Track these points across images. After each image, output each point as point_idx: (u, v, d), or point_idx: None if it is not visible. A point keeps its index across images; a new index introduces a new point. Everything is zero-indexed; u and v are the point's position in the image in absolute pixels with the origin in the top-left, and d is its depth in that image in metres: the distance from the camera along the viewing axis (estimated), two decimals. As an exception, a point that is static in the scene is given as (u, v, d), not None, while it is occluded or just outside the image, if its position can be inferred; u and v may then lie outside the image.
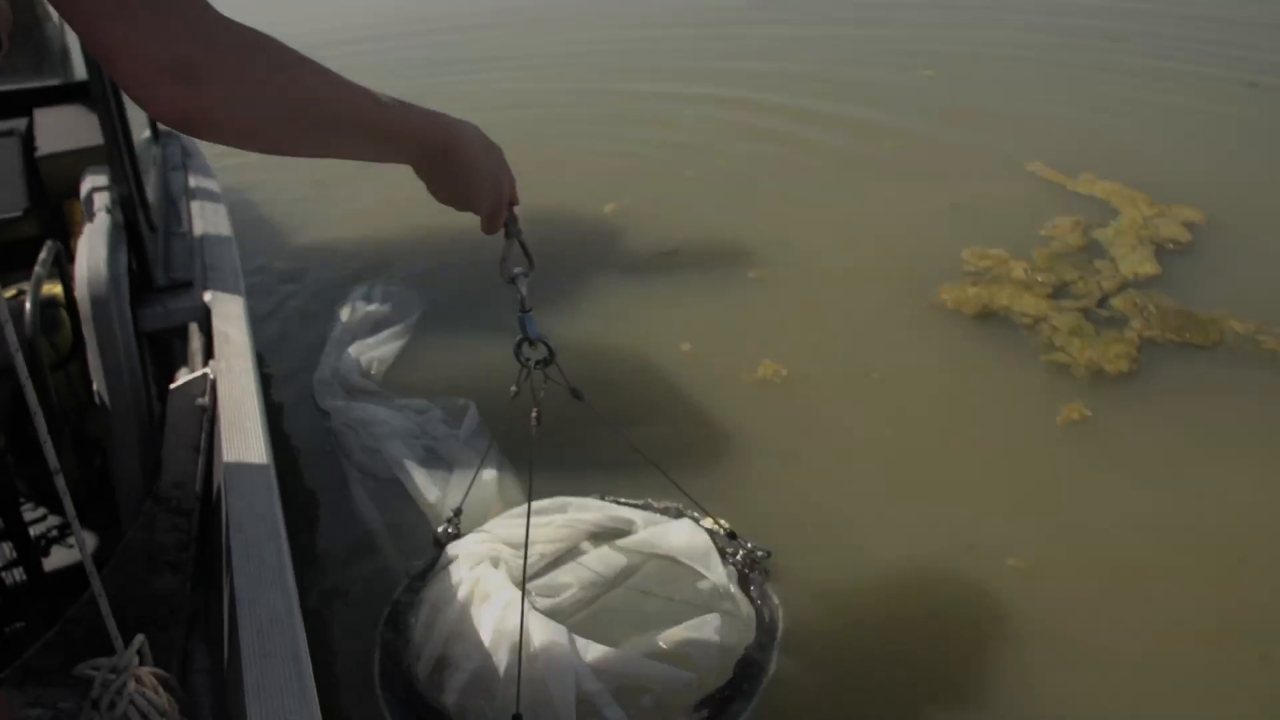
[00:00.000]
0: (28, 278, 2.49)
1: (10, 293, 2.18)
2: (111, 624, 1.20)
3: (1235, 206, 4.03)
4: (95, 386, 2.08)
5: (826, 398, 2.93)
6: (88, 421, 2.24)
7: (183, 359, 2.50)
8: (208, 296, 2.31)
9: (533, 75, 6.83)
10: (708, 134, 5.24)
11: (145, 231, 2.28)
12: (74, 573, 2.11)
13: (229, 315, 2.25)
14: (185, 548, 1.81)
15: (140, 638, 1.24)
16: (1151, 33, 6.80)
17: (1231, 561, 2.29)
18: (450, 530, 2.27)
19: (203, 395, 2.05)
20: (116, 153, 2.16)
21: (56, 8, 0.72)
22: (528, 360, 1.64)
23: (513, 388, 1.72)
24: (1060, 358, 3.04)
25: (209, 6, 0.77)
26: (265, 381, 2.88)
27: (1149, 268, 3.54)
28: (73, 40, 3.80)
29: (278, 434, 2.82)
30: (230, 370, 2.04)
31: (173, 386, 2.11)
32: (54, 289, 2.19)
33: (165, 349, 2.53)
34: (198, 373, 2.12)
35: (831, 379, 3.02)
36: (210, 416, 2.01)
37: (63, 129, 2.71)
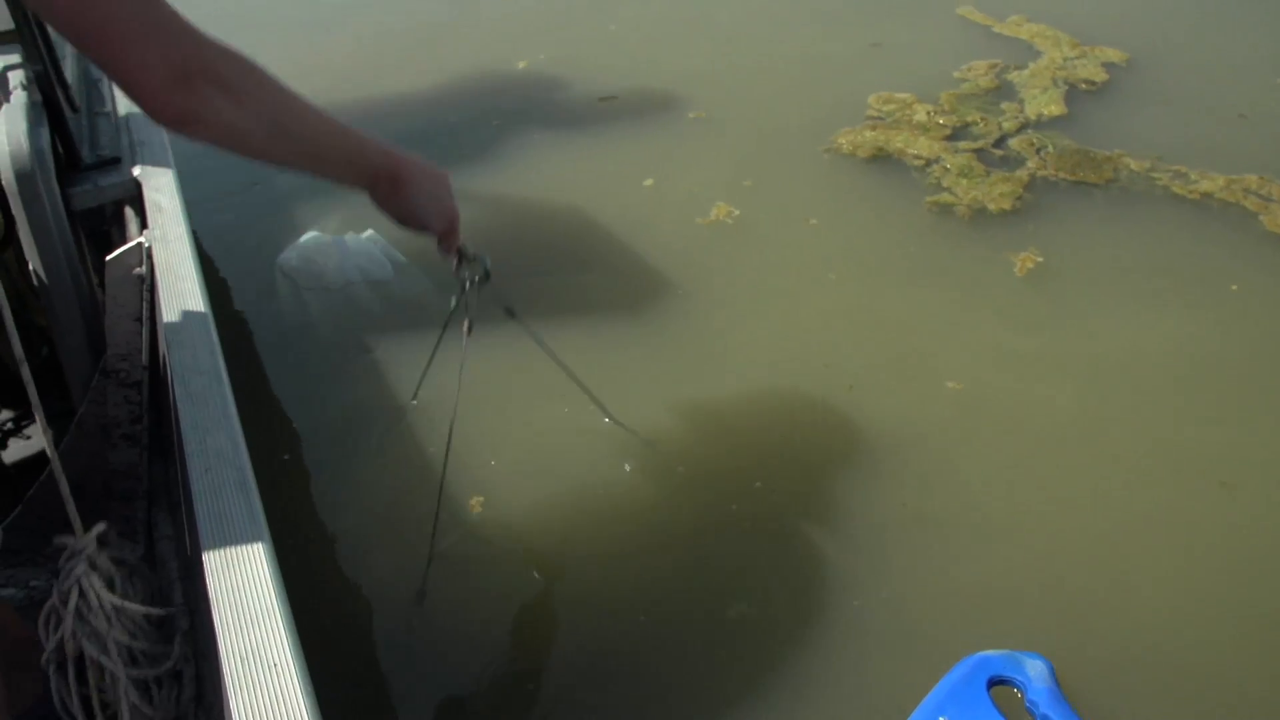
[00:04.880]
0: None
1: None
2: (71, 506, 1.26)
3: (1159, 49, 3.91)
4: (32, 267, 2.08)
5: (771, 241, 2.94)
6: (30, 310, 2.24)
7: (120, 241, 2.48)
8: (137, 171, 2.26)
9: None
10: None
11: (67, 111, 2.21)
12: (34, 462, 2.14)
13: (161, 186, 2.21)
14: (138, 419, 1.86)
15: (98, 529, 1.28)
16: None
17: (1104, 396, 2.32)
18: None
19: (139, 265, 2.04)
20: (28, 30, 2.08)
21: (67, 35, 0.91)
22: (467, 278, 1.72)
23: (452, 300, 1.80)
24: (945, 198, 3.01)
25: (202, 34, 0.95)
26: (200, 245, 2.86)
27: (1055, 109, 3.47)
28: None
29: (219, 293, 2.82)
30: (165, 238, 2.02)
31: (109, 258, 2.09)
32: None
33: (102, 236, 2.49)
34: (131, 243, 2.10)
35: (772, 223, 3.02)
36: (149, 286, 2.01)
37: None
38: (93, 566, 1.28)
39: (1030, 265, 2.72)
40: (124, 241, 2.49)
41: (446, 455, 1.98)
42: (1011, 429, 2.24)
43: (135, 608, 1.29)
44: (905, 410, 2.29)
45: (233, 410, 1.52)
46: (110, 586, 1.28)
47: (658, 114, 3.64)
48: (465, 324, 1.84)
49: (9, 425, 2.32)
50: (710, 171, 3.24)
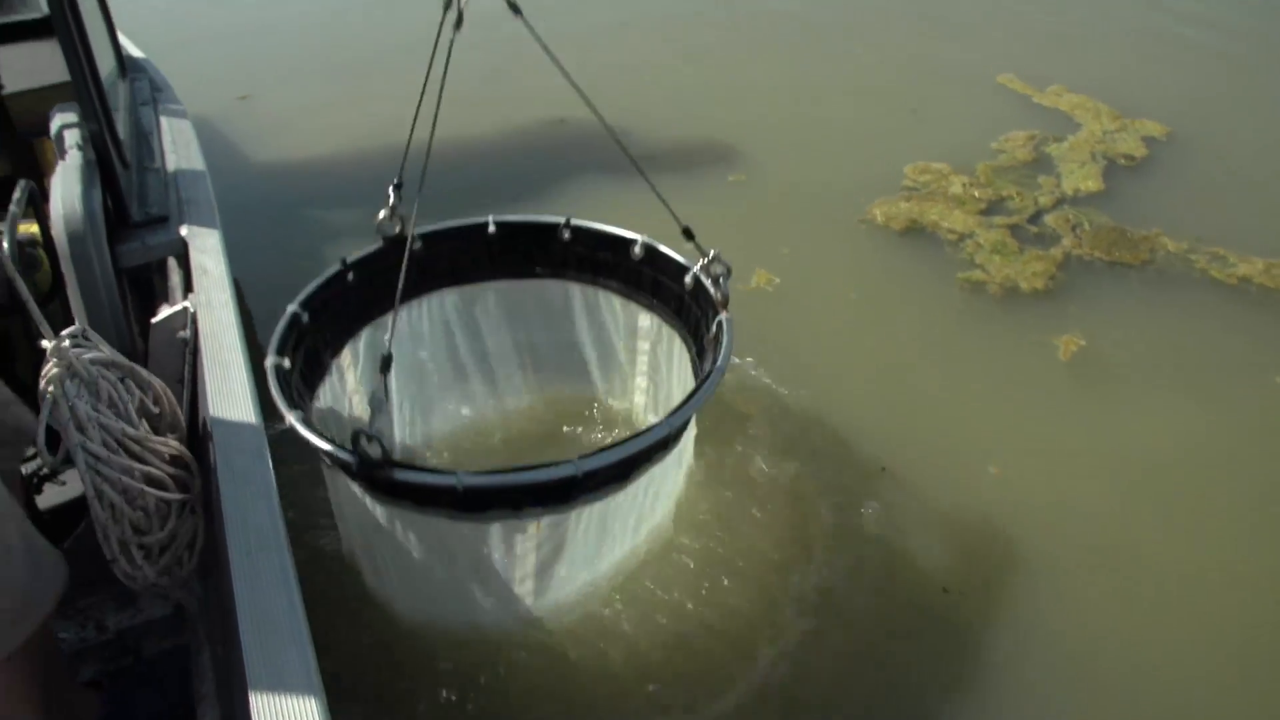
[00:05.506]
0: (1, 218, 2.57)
1: None
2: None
3: (1201, 122, 3.89)
4: (77, 323, 2.14)
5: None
6: None
7: (163, 295, 2.53)
8: (184, 230, 2.31)
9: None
10: (666, 39, 5.14)
11: (118, 168, 2.28)
12: (70, 509, 2.18)
13: (206, 248, 2.26)
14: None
15: None
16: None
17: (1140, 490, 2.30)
18: (391, 212, 2.00)
19: (183, 329, 2.09)
20: (84, 89, 2.14)
21: None
22: None
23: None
24: (977, 275, 3.00)
25: None
26: (244, 312, 2.90)
27: (1092, 184, 3.45)
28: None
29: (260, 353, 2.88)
30: (209, 304, 2.06)
31: (154, 321, 2.15)
32: (30, 228, 2.24)
33: (145, 286, 2.54)
34: (177, 307, 2.16)
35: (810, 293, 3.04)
36: (192, 349, 2.05)
37: (28, 66, 2.68)
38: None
39: (1074, 349, 2.70)
40: (166, 292, 2.55)
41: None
42: (1054, 524, 2.20)
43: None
44: (943, 493, 2.26)
45: (273, 489, 1.55)
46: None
47: (698, 174, 3.68)
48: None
49: (45, 470, 2.37)
50: (749, 236, 3.27)
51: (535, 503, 1.68)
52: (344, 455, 1.55)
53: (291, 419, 1.62)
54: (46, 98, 2.46)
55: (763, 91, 4.37)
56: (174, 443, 1.52)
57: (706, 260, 1.92)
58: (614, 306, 2.20)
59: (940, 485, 2.28)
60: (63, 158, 2.25)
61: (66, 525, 1.87)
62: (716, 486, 2.27)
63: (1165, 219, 3.25)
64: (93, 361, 1.40)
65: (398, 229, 2.01)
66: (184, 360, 2.08)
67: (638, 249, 2.06)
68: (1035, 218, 3.30)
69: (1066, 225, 3.23)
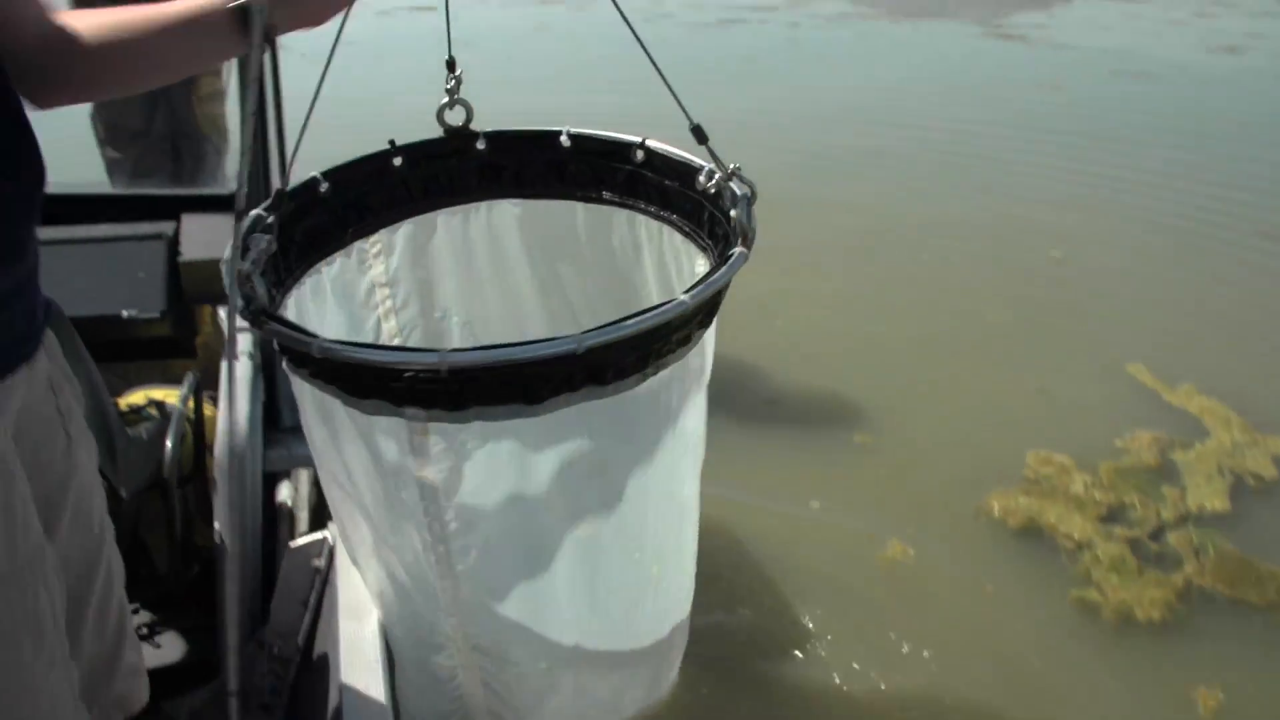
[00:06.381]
0: (153, 373, 2.80)
1: (137, 396, 2.48)
2: None
3: (1339, 446, 3.83)
4: (218, 526, 2.28)
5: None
6: (195, 531, 2.44)
7: (294, 496, 2.69)
8: None
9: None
10: (806, 293, 5.34)
11: (279, 371, 2.41)
12: (165, 673, 2.28)
13: None
14: (280, 693, 1.99)
15: None
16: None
17: None
18: (450, 98, 1.77)
19: (319, 557, 2.20)
20: None
21: None
22: None
23: None
24: (1091, 595, 2.99)
25: None
26: None
27: (1218, 503, 3.43)
28: (230, 156, 4.28)
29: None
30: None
31: (293, 545, 2.27)
32: (177, 398, 2.45)
33: (274, 478, 2.68)
34: (318, 535, 2.28)
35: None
36: (324, 579, 2.16)
37: (206, 237, 2.82)
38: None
39: (1213, 704, 2.63)
40: (297, 497, 2.71)
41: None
42: None
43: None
44: None
45: None
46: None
47: (824, 430, 3.80)
48: None
49: (143, 630, 2.40)
50: (873, 506, 3.37)
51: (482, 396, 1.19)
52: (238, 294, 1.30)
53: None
54: (218, 271, 2.71)
55: (892, 345, 4.51)
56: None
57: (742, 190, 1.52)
58: (675, 245, 1.82)
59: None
60: (234, 358, 2.47)
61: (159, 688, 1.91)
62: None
63: (1296, 557, 3.20)
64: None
65: (462, 120, 1.77)
66: (312, 586, 2.22)
67: (702, 178, 1.63)
68: (1157, 533, 3.28)
69: (1189, 548, 3.21)
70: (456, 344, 1.98)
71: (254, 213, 1.46)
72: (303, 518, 2.76)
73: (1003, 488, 3.47)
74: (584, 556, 1.51)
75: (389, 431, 1.29)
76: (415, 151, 1.82)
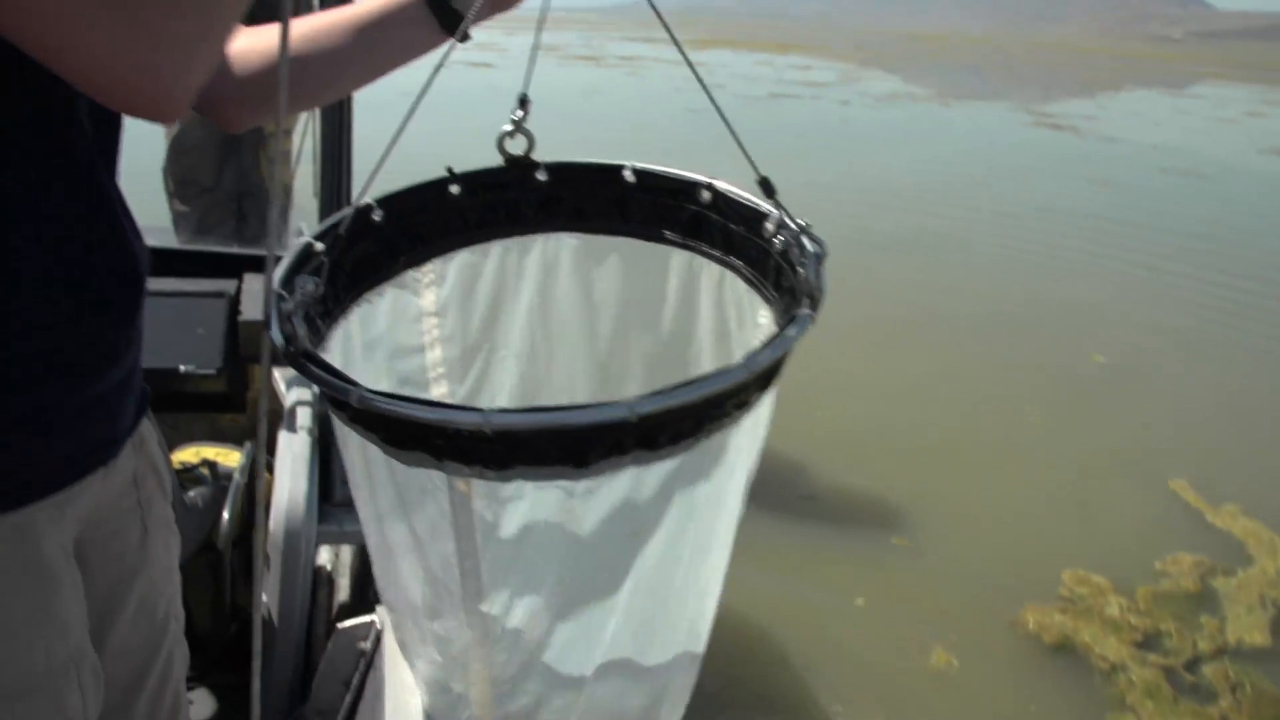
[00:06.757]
0: (201, 424, 2.86)
1: (188, 453, 2.54)
2: None
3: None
4: (264, 599, 2.30)
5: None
6: (237, 592, 2.47)
7: (331, 561, 2.72)
8: None
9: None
10: (847, 383, 5.37)
11: (336, 446, 2.37)
12: None
13: None
14: None
15: None
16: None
17: None
18: (515, 127, 1.65)
19: (365, 640, 2.20)
20: None
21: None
22: None
23: None
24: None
25: None
26: None
27: (1258, 637, 3.38)
28: (292, 216, 4.40)
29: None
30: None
31: (340, 626, 2.26)
32: (229, 459, 2.49)
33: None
34: (366, 619, 2.26)
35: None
36: (369, 662, 2.16)
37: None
38: None
39: None
40: (338, 562, 2.74)
41: None
42: None
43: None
44: None
45: None
46: None
47: (860, 529, 3.82)
48: None
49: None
50: (915, 610, 3.37)
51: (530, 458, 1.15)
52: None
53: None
54: None
55: (931, 445, 4.53)
56: None
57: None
58: (737, 292, 1.70)
59: None
60: (293, 431, 2.49)
61: None
62: None
63: (1335, 700, 3.15)
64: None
65: (524, 149, 1.71)
66: (356, 667, 2.25)
67: (769, 229, 1.54)
68: (1193, 664, 3.24)
69: (1226, 683, 3.17)
70: (504, 379, 1.93)
71: (303, 240, 1.41)
72: (343, 584, 2.80)
73: (1038, 603, 3.44)
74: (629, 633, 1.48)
75: (429, 482, 1.24)
76: (473, 180, 1.75)
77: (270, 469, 2.60)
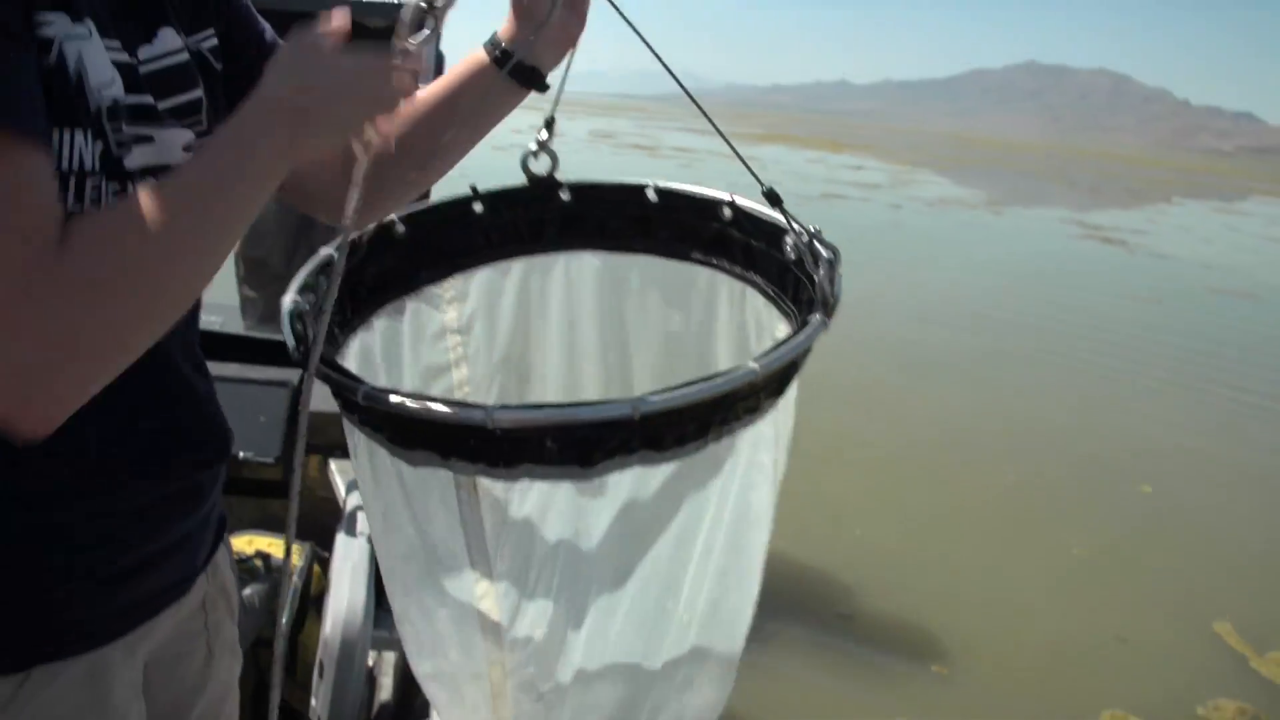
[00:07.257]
0: (255, 513, 2.94)
1: (243, 543, 2.62)
2: None
3: None
4: (314, 704, 2.35)
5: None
6: (285, 689, 2.52)
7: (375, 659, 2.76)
8: None
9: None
10: (886, 503, 5.38)
11: None
12: None
13: None
14: None
15: None
16: None
17: None
18: (540, 147, 1.68)
19: None
20: None
21: None
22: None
23: None
24: None
25: None
26: None
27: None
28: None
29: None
30: None
31: None
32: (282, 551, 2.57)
33: None
34: None
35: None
36: None
37: (326, 390, 3.11)
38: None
39: None
40: (380, 661, 2.77)
41: None
42: None
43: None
44: None
45: None
46: None
47: (898, 653, 3.80)
48: None
49: None
50: None
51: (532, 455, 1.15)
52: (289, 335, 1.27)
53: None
54: (333, 423, 2.81)
55: (971, 570, 4.50)
56: None
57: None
58: (757, 308, 1.72)
59: None
60: (351, 536, 2.54)
61: None
62: None
63: None
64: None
65: (547, 169, 1.71)
66: None
67: (789, 241, 1.54)
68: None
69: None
70: (528, 395, 1.95)
71: (325, 252, 1.42)
72: (385, 684, 2.84)
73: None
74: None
75: (435, 481, 1.25)
76: (497, 198, 1.79)
77: (324, 565, 2.67)
